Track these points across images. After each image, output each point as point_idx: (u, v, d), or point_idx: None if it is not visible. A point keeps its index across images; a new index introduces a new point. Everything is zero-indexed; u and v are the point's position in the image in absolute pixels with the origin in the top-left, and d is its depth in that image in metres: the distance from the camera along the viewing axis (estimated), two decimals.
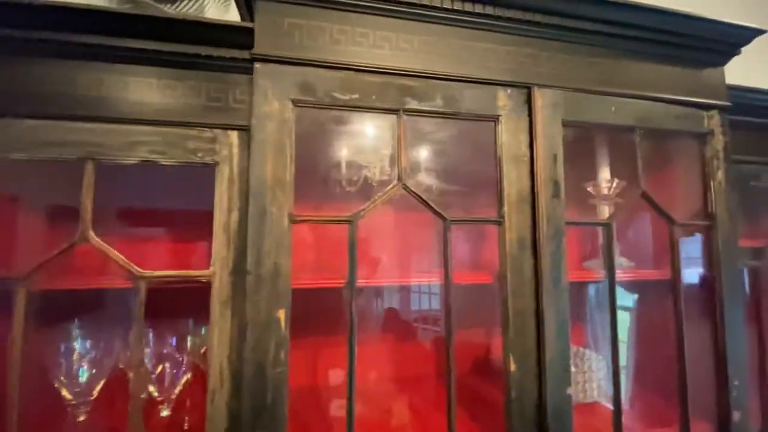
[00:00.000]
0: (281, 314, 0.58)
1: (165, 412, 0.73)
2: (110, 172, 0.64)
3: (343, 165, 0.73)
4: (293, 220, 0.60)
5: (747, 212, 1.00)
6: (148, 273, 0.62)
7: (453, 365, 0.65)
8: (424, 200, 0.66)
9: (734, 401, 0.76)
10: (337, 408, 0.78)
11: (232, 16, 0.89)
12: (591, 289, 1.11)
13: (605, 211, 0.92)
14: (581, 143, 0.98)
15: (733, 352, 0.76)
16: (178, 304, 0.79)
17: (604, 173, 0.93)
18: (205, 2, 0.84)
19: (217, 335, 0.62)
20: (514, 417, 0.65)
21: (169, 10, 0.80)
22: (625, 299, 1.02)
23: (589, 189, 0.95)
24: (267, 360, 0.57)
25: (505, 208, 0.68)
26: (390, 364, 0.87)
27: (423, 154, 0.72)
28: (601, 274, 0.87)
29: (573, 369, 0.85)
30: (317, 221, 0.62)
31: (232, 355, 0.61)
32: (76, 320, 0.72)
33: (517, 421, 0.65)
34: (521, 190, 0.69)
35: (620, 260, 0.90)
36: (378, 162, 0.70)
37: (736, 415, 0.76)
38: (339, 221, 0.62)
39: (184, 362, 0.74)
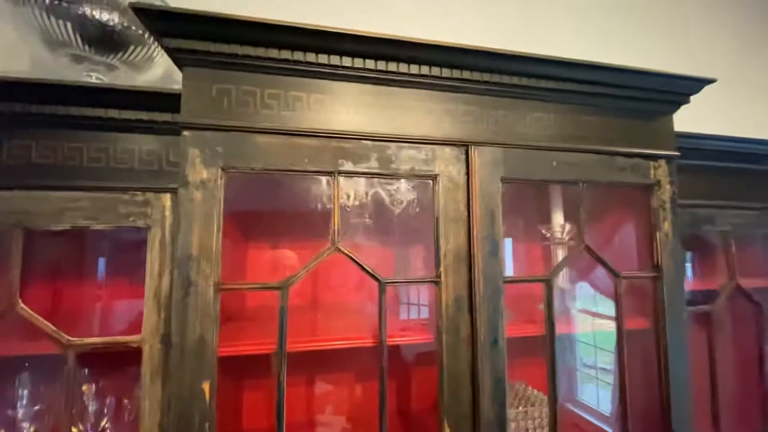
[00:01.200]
0: (206, 386, 0.58)
1: None
2: (41, 237, 0.63)
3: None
4: (219, 289, 0.60)
5: (701, 255, 1.00)
6: (76, 340, 0.62)
7: (385, 420, 0.64)
8: (358, 263, 0.66)
9: None
10: None
11: None
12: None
13: (559, 255, 0.92)
14: (536, 188, 0.98)
15: (677, 401, 0.76)
16: (122, 364, 0.79)
17: (558, 217, 0.93)
18: (153, 50, 0.84)
19: (148, 402, 0.62)
20: None
21: (114, 61, 0.79)
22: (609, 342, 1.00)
23: (543, 231, 0.95)
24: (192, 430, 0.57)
25: (442, 268, 0.68)
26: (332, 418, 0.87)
27: (360, 215, 0.72)
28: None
29: (522, 415, 0.86)
30: (245, 289, 0.62)
31: (163, 422, 0.61)
32: (17, 380, 0.72)
33: None
34: (458, 249, 0.68)
35: (573, 307, 0.90)
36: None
37: None
38: (269, 288, 0.62)
39: (127, 419, 0.74)
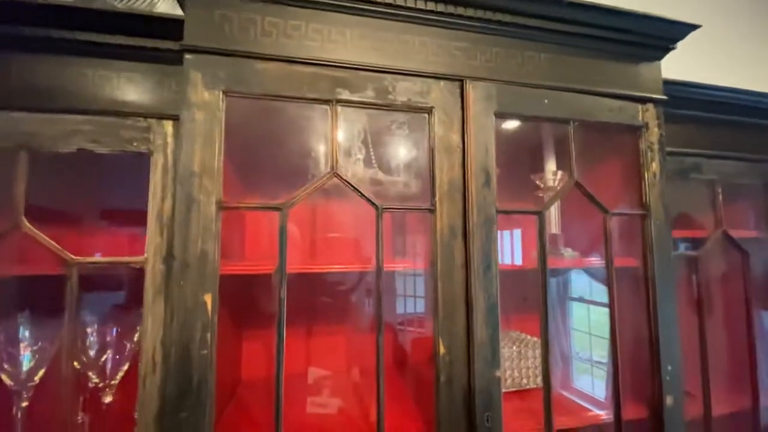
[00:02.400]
0: (208, 299, 0.59)
1: (107, 398, 0.74)
2: (46, 160, 0.65)
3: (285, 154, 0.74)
4: (221, 207, 0.62)
5: (688, 204, 1.03)
6: (80, 259, 0.63)
7: (381, 348, 0.66)
8: (356, 189, 0.67)
9: (667, 386, 0.78)
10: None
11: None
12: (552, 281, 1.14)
13: (552, 203, 0.94)
14: (530, 137, 1.01)
15: (665, 339, 0.78)
16: (123, 294, 0.81)
17: (551, 166, 0.95)
18: None
19: (150, 320, 0.64)
20: (443, 399, 0.66)
21: (118, 5, 0.81)
22: (602, 294, 1.02)
23: (536, 182, 0.97)
24: (193, 343, 0.59)
25: (437, 197, 0.70)
26: (326, 350, 0.89)
27: (358, 144, 0.74)
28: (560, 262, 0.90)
29: (516, 354, 0.88)
30: (246, 208, 0.64)
31: (164, 339, 0.63)
32: (19, 317, 0.73)
33: (446, 404, 0.66)
34: (453, 180, 0.70)
35: (565, 250, 0.92)
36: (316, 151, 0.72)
37: (669, 400, 0.78)
38: (269, 208, 0.64)
39: (127, 350, 0.75)
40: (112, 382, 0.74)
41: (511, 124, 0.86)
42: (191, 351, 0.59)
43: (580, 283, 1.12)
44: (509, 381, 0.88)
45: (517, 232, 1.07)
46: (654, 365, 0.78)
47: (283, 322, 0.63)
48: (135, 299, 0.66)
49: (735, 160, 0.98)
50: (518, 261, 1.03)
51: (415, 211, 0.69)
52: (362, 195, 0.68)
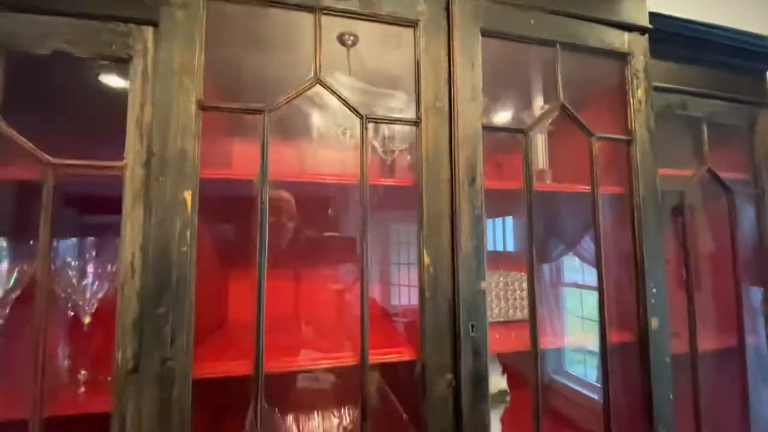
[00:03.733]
0: (188, 196, 0.59)
1: (86, 319, 0.72)
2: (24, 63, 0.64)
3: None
4: (202, 107, 0.61)
5: (674, 144, 1.03)
6: (57, 161, 0.62)
7: (367, 260, 0.66)
8: (340, 96, 0.67)
9: (652, 309, 0.78)
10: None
11: None
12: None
13: (539, 138, 0.94)
14: (518, 70, 1.00)
15: (650, 262, 0.79)
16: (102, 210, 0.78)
17: (538, 101, 0.95)
18: None
19: (129, 226, 0.62)
20: (428, 310, 0.66)
21: None
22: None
23: (525, 118, 0.97)
24: (172, 240, 0.58)
25: (423, 110, 0.69)
26: (308, 263, 0.88)
27: (343, 54, 0.73)
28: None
29: (503, 286, 0.88)
30: (227, 110, 0.63)
31: (144, 244, 0.62)
32: None
33: (431, 314, 0.66)
34: (438, 93, 0.70)
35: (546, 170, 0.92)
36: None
37: (654, 323, 0.78)
38: (250, 111, 0.63)
39: (108, 271, 0.74)
40: (93, 302, 0.72)
41: (498, 53, 0.86)
42: (170, 248, 0.58)
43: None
44: (496, 311, 0.88)
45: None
46: (639, 288, 0.79)
47: (265, 227, 0.62)
48: (115, 211, 0.65)
49: (722, 100, 0.99)
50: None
51: (400, 124, 0.69)
52: (346, 103, 0.67)
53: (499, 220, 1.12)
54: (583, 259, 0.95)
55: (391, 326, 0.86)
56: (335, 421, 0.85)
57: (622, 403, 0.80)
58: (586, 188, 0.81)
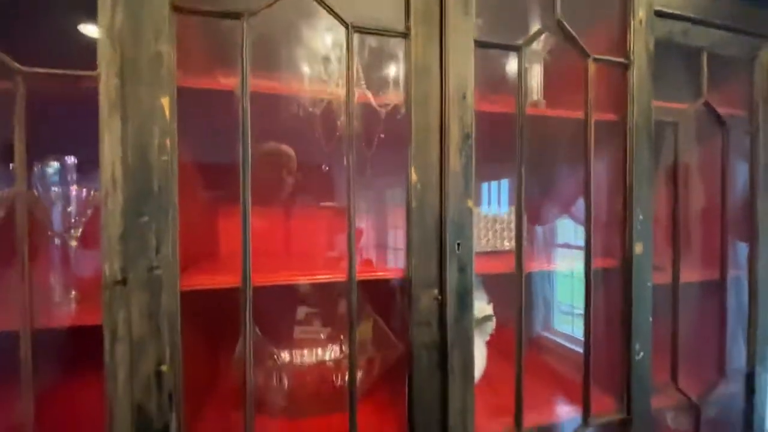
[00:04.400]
0: (165, 102, 0.56)
1: (73, 242, 0.72)
2: None
3: None
4: (175, 9, 0.57)
5: (672, 74, 1.01)
6: (27, 69, 0.59)
7: (351, 173, 0.65)
8: (324, 3, 0.63)
9: (637, 234, 0.79)
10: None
11: None
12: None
13: (535, 68, 0.91)
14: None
15: (639, 186, 0.79)
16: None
17: (535, 26, 0.91)
18: None
19: (107, 137, 0.60)
20: (415, 225, 0.66)
21: None
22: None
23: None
24: (151, 149, 0.56)
25: (412, 21, 0.66)
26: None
27: None
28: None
29: (492, 219, 0.88)
30: (203, 13, 0.59)
31: (124, 157, 0.60)
32: None
33: (418, 230, 0.66)
34: (429, 4, 0.66)
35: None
36: None
37: (638, 248, 0.80)
38: (228, 15, 0.60)
39: (93, 194, 0.73)
40: (78, 225, 0.72)
41: None
42: (150, 157, 0.56)
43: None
44: (484, 242, 0.88)
45: None
46: (626, 212, 0.79)
47: (248, 139, 0.60)
48: (93, 126, 0.63)
49: (725, 30, 0.95)
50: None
51: (388, 36, 0.66)
52: (330, 11, 0.63)
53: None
54: (573, 190, 0.95)
55: (381, 254, 0.87)
56: (325, 347, 0.88)
57: (603, 324, 0.83)
58: (579, 114, 0.79)
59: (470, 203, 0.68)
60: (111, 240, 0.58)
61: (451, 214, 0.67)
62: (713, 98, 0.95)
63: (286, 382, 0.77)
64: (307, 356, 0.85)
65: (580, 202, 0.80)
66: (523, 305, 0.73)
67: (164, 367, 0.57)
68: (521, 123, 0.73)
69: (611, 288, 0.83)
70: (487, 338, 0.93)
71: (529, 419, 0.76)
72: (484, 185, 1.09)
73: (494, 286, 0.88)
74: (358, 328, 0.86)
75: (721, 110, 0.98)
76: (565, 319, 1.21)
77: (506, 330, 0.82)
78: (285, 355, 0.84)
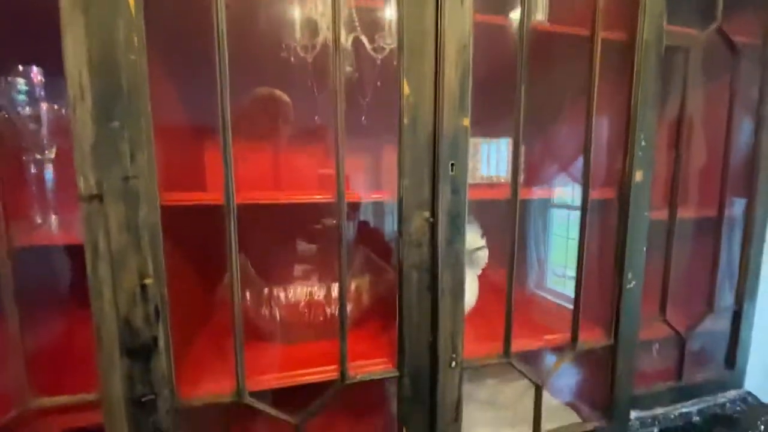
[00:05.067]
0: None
1: (49, 164, 0.69)
2: None
3: None
4: None
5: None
6: None
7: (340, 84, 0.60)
8: None
9: (638, 161, 0.76)
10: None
11: None
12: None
13: None
14: None
15: (644, 110, 0.75)
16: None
17: None
18: None
19: (71, 40, 0.55)
20: (407, 142, 0.63)
21: None
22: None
23: None
24: (118, 46, 0.51)
25: None
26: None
27: None
28: None
29: (488, 150, 0.84)
30: None
31: (90, 60, 0.55)
32: None
33: (409, 147, 0.63)
34: None
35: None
36: None
37: (638, 175, 0.77)
38: None
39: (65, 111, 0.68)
40: (51, 145, 0.68)
41: None
42: (117, 56, 0.52)
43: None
44: (478, 173, 0.85)
45: None
46: (628, 136, 0.76)
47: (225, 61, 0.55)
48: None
49: None
50: None
51: None
52: None
53: None
54: (576, 116, 0.91)
55: (373, 182, 0.84)
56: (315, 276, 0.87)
57: (596, 254, 0.82)
58: (585, 31, 0.73)
59: (466, 122, 0.64)
60: (83, 151, 0.54)
61: (445, 132, 0.63)
62: (727, 26, 0.89)
63: (276, 309, 0.77)
64: (298, 283, 0.84)
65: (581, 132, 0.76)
66: (517, 230, 0.71)
67: (148, 281, 0.56)
68: (522, 34, 0.67)
69: (607, 221, 0.82)
70: (479, 272, 0.92)
71: (518, 345, 0.76)
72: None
73: (489, 224, 0.86)
74: (351, 263, 0.85)
75: (735, 38, 0.92)
76: (558, 281, 1.21)
77: (500, 271, 0.81)
78: (276, 287, 0.82)
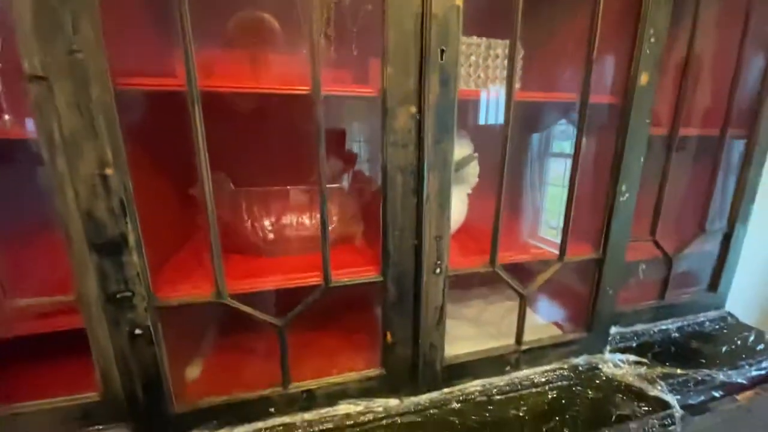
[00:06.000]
0: None
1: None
2: None
3: None
4: None
5: None
6: None
7: None
8: None
9: (645, 61, 0.70)
10: None
11: None
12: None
13: None
14: None
15: (655, 5, 0.67)
16: None
17: None
18: None
19: None
20: (392, 27, 0.56)
21: None
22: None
23: None
24: None
25: None
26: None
27: None
28: None
29: (483, 56, 0.77)
30: None
31: None
32: None
33: (395, 33, 0.56)
34: None
35: None
36: None
37: (643, 78, 0.71)
38: None
39: None
40: None
41: None
42: None
43: None
44: (472, 83, 0.79)
45: None
46: (637, 35, 0.69)
47: None
48: None
49: None
50: None
51: None
52: None
53: None
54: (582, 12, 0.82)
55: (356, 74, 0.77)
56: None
57: (592, 163, 0.79)
58: None
59: (459, 0, 0.57)
60: (25, 31, 0.47)
61: (434, 11, 0.56)
62: None
63: (259, 222, 0.74)
64: (282, 195, 0.80)
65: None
66: (510, 132, 0.67)
67: (108, 171, 0.52)
68: None
69: (604, 130, 0.77)
70: (469, 190, 0.89)
71: (505, 258, 0.75)
72: None
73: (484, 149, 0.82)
74: (336, 169, 0.81)
75: None
76: (551, 233, 1.17)
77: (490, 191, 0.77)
78: (257, 199, 0.78)
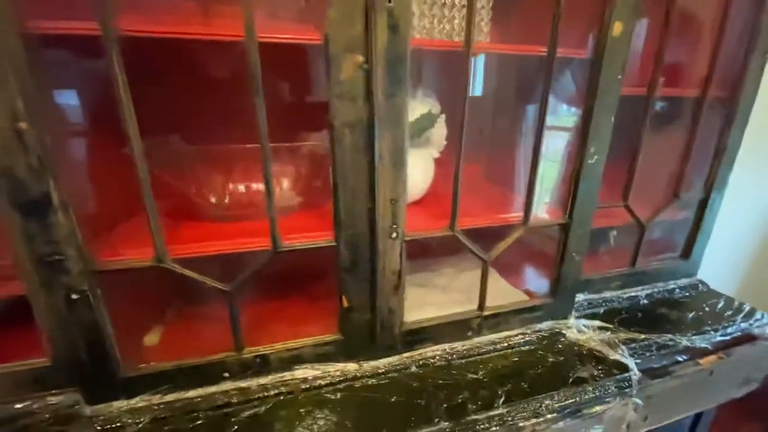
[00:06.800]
0: None
1: None
2: None
3: None
4: None
5: None
6: None
7: None
8: None
9: (620, 6, 0.65)
10: None
11: None
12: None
13: None
14: None
15: None
16: None
17: None
18: None
19: None
20: None
21: None
22: None
23: None
24: None
25: None
26: None
27: None
28: None
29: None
30: None
31: None
32: None
33: None
34: None
35: None
36: None
37: (617, 27, 0.66)
38: None
39: None
40: None
41: None
42: None
43: None
44: (437, 33, 0.74)
45: None
46: None
47: None
48: None
49: None
50: None
51: None
52: None
53: None
54: None
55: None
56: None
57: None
58: None
59: None
60: None
61: None
62: None
63: (206, 185, 0.71)
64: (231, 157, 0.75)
65: None
66: (468, 87, 0.63)
67: (23, 125, 0.47)
68: None
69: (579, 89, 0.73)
70: (437, 154, 0.86)
71: (467, 222, 0.73)
72: None
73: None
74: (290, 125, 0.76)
75: None
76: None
77: (471, 167, 0.73)
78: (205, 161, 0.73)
